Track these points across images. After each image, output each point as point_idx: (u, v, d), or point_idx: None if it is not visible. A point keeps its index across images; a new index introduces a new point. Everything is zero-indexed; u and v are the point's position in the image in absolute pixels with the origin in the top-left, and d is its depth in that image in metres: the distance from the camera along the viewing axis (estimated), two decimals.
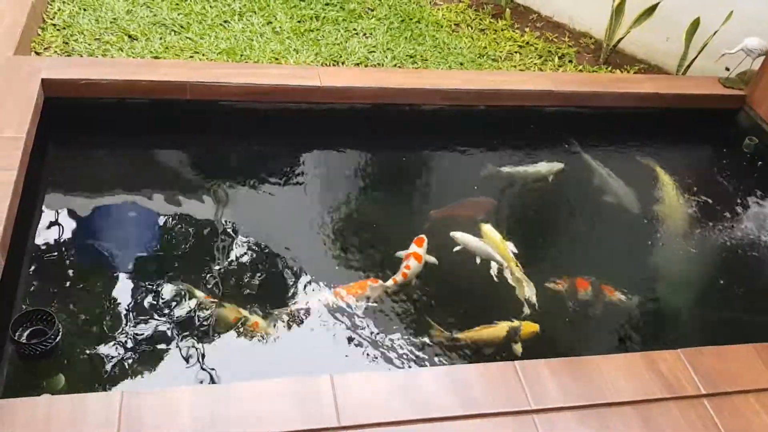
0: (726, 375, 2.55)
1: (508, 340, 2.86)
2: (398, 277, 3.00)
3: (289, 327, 2.80)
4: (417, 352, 2.78)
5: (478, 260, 3.22)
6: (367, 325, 2.85)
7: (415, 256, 3.08)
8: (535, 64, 4.77)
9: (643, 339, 3.05)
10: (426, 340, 2.82)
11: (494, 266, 3.19)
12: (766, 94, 4.18)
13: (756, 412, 2.45)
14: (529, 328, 2.90)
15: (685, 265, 3.47)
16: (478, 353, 2.81)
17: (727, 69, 4.44)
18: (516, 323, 2.90)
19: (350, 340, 2.79)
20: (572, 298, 3.11)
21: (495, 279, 3.15)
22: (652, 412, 2.39)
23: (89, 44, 4.09)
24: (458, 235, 3.29)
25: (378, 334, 2.82)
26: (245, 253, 3.10)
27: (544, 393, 2.38)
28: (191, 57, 4.13)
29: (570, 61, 4.88)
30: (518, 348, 2.82)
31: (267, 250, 3.14)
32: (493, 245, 3.24)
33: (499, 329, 2.88)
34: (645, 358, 2.58)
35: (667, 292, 3.36)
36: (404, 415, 2.25)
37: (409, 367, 2.71)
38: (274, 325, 2.78)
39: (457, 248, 3.25)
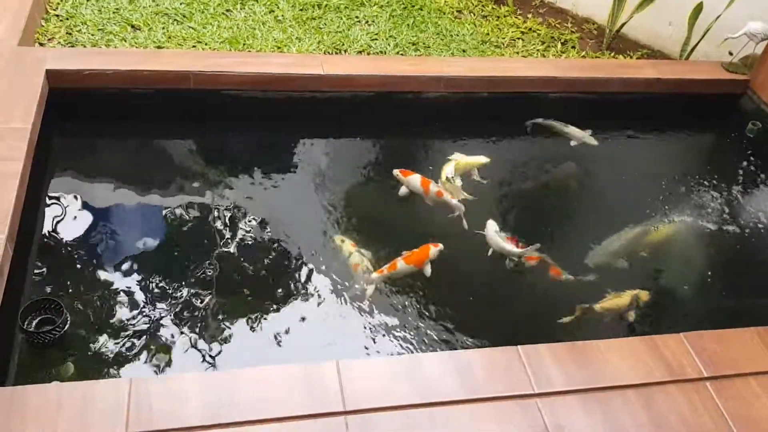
0: (727, 358, 2.57)
1: (631, 307, 3.06)
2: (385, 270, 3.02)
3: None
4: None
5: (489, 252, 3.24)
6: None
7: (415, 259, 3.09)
8: (537, 50, 4.76)
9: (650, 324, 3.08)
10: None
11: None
12: None
13: (757, 395, 2.47)
14: (645, 296, 3.11)
15: (689, 249, 3.48)
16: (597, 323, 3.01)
17: (731, 53, 4.43)
18: (636, 291, 3.10)
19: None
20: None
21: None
22: (654, 396, 2.41)
23: (92, 35, 4.10)
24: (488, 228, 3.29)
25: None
26: (247, 240, 3.12)
27: (547, 377, 2.40)
28: (194, 47, 4.14)
29: (573, 47, 4.87)
30: (632, 315, 3.05)
31: (266, 240, 3.16)
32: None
33: (625, 298, 3.08)
34: (647, 342, 2.59)
35: (670, 276, 3.37)
36: (408, 400, 2.27)
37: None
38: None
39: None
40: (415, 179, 3.44)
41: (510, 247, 3.18)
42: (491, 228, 3.25)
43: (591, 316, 3.01)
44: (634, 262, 3.31)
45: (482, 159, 3.64)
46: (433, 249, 3.11)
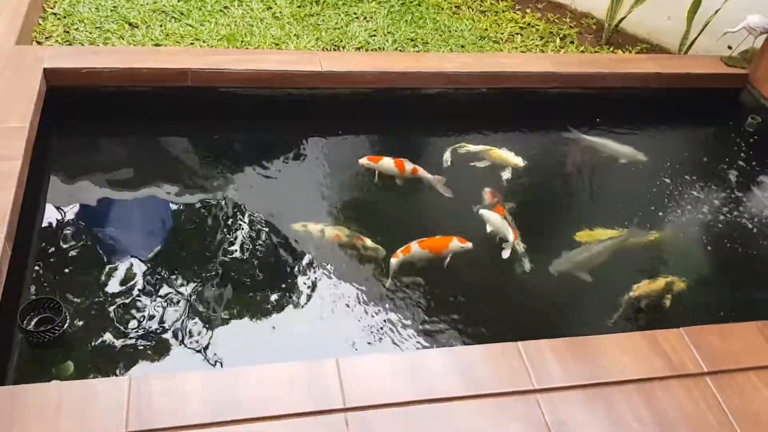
0: (728, 353, 2.57)
1: (665, 292, 3.11)
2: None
3: None
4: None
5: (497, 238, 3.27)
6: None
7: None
8: (536, 45, 4.75)
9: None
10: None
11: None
12: None
13: (757, 390, 2.46)
14: (680, 283, 3.16)
15: (689, 245, 3.48)
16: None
17: (730, 47, 4.42)
18: (671, 278, 3.16)
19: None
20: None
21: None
22: (654, 391, 2.41)
23: (90, 33, 4.09)
24: (486, 213, 3.32)
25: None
26: (246, 237, 3.11)
27: (547, 373, 2.40)
28: (192, 44, 4.14)
29: (572, 42, 4.87)
30: (668, 301, 3.08)
31: (266, 237, 3.15)
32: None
33: (659, 283, 3.13)
34: (647, 337, 2.59)
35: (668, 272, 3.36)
36: (408, 396, 2.27)
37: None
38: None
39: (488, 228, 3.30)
40: (386, 162, 3.46)
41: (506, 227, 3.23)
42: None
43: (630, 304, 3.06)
44: (641, 254, 3.32)
45: (518, 160, 3.64)
46: (456, 242, 3.09)
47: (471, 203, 3.43)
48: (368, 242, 3.09)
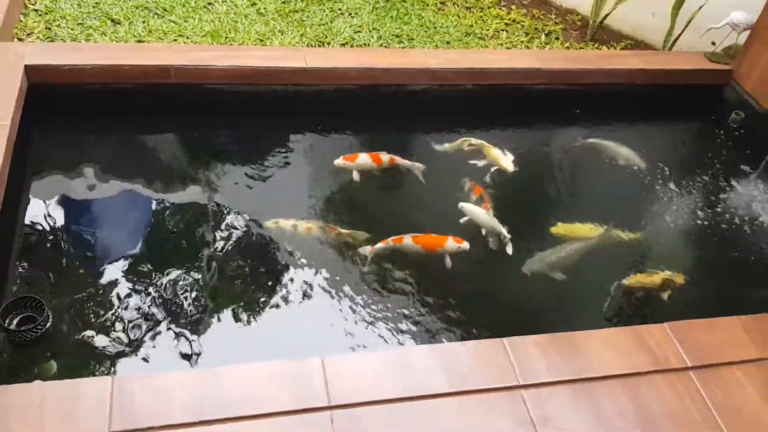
0: (712, 348, 2.59)
1: (664, 287, 3.16)
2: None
3: None
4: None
5: (483, 232, 3.27)
6: None
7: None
8: (521, 41, 4.76)
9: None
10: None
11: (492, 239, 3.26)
12: (752, 69, 4.19)
13: (741, 384, 2.48)
14: (680, 278, 3.20)
15: (672, 240, 3.49)
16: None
17: (713, 43, 4.45)
18: (670, 273, 3.21)
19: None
20: None
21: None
22: (639, 386, 2.42)
23: (72, 29, 4.05)
24: (467, 207, 3.33)
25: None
26: (230, 234, 3.09)
27: (532, 369, 2.40)
28: (175, 40, 4.10)
29: (557, 39, 4.87)
30: (666, 295, 3.13)
31: (250, 234, 3.13)
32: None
33: (656, 278, 3.18)
34: (632, 332, 2.60)
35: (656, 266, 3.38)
36: (394, 394, 2.27)
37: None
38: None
39: (463, 219, 3.30)
40: (363, 159, 3.45)
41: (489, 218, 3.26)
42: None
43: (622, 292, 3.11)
44: (620, 252, 3.33)
45: (508, 164, 3.60)
46: (452, 242, 3.09)
47: (456, 197, 3.43)
48: (342, 231, 3.10)
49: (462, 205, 3.35)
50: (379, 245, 3.04)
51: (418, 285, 3.01)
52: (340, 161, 3.45)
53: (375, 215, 3.42)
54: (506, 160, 3.62)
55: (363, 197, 3.48)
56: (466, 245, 3.09)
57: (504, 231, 3.23)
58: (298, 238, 3.09)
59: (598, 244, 3.29)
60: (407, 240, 3.06)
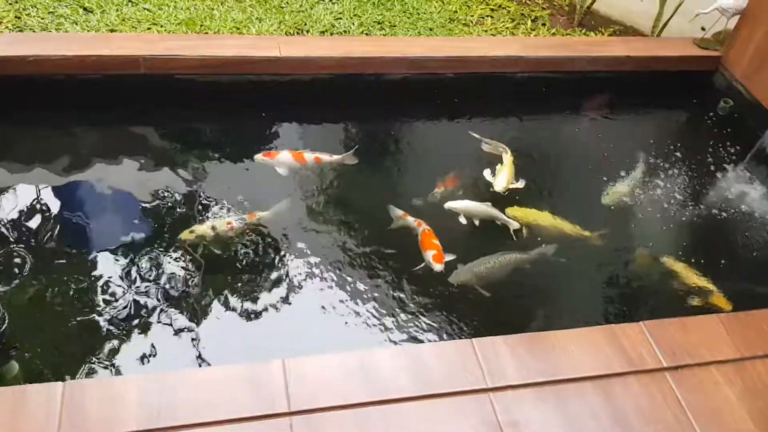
0: (689, 347, 2.50)
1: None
2: None
3: None
4: None
5: (477, 222, 3.19)
6: None
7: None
8: (507, 28, 4.65)
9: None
10: None
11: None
12: (741, 55, 4.08)
13: (717, 384, 2.41)
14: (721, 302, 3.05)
15: (659, 230, 3.41)
16: None
17: (703, 29, 4.33)
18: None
19: None
20: None
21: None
22: (612, 388, 2.35)
23: (42, 18, 3.95)
24: (455, 205, 3.20)
25: None
26: (193, 232, 2.99)
27: (502, 371, 2.33)
28: (149, 29, 4.00)
29: (543, 24, 4.76)
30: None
31: (216, 233, 3.04)
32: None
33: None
34: (606, 331, 2.52)
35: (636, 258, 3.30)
36: (357, 398, 2.19)
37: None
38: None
39: (460, 219, 3.20)
40: (284, 156, 3.31)
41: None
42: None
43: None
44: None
45: (499, 183, 3.34)
46: (427, 254, 2.91)
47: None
48: (263, 213, 3.02)
49: (449, 205, 3.21)
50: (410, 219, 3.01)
51: (386, 280, 2.93)
52: (259, 157, 3.31)
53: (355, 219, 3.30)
54: (503, 179, 3.36)
55: (338, 202, 3.36)
56: (439, 268, 2.89)
57: (505, 216, 3.15)
58: (221, 238, 2.95)
59: (533, 258, 3.10)
60: (421, 227, 3.00)
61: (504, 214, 3.22)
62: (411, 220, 3.09)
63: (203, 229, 2.92)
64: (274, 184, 3.29)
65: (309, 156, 3.32)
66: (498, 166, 3.44)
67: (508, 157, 3.45)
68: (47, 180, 3.14)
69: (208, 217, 3.04)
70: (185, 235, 2.89)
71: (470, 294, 2.92)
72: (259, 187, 3.26)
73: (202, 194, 3.18)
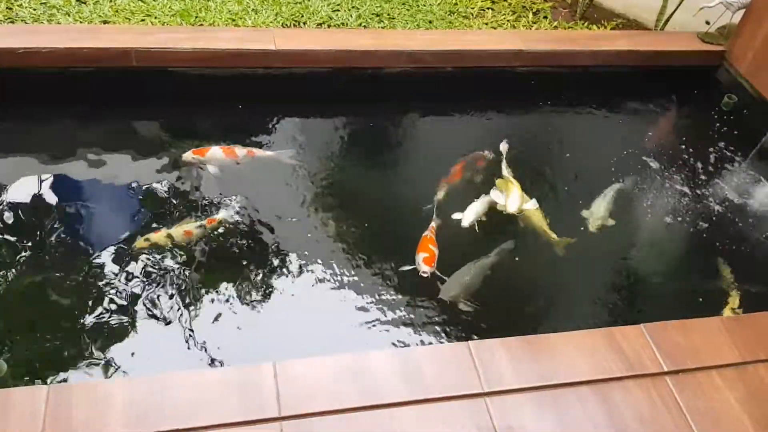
0: (690, 350, 2.45)
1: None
2: None
3: None
4: None
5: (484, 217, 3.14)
6: None
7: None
8: (508, 20, 4.56)
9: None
10: None
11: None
12: (746, 50, 4.01)
13: (718, 389, 2.35)
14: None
15: (663, 226, 3.35)
16: None
17: (707, 23, 4.26)
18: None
19: None
20: None
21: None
22: (611, 392, 2.29)
23: (34, 9, 3.87)
24: (471, 215, 3.11)
25: None
26: (179, 230, 2.93)
27: (498, 375, 2.27)
28: (143, 20, 3.93)
29: (545, 17, 4.68)
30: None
31: (202, 230, 2.98)
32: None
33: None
34: (606, 334, 2.47)
35: (639, 256, 3.24)
36: (349, 403, 2.14)
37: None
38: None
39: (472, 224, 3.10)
40: (215, 152, 3.18)
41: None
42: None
43: None
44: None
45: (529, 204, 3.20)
46: (419, 256, 2.85)
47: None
48: (223, 215, 2.94)
49: (467, 222, 3.08)
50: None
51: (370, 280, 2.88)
52: (188, 155, 3.15)
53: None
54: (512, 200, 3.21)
55: (336, 198, 3.29)
56: (426, 270, 2.81)
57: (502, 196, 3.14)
58: (180, 246, 2.84)
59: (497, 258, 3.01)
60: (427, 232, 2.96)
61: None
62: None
63: (158, 237, 2.81)
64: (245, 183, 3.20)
65: (240, 151, 3.20)
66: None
67: (511, 177, 3.31)
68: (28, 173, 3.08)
69: (165, 223, 2.92)
70: (139, 243, 2.80)
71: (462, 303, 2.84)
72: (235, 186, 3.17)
73: (172, 193, 3.11)
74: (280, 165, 3.28)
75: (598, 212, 3.25)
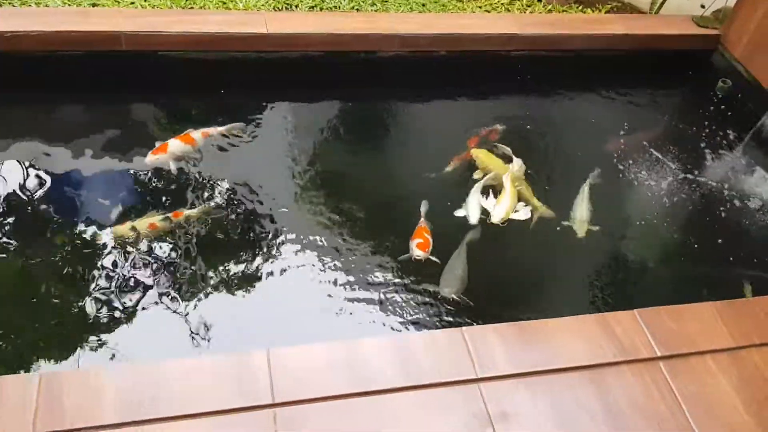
0: (683, 336, 2.45)
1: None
2: None
3: None
4: None
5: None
6: None
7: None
8: (502, 4, 4.52)
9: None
10: None
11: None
12: (741, 34, 3.99)
13: (712, 374, 2.36)
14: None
15: (655, 213, 3.34)
16: None
17: (702, 6, 4.23)
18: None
19: None
20: None
21: None
22: (604, 377, 2.29)
23: None
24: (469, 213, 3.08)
25: None
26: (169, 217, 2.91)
27: (492, 360, 2.27)
28: (132, 3, 3.86)
29: (539, 1, 4.64)
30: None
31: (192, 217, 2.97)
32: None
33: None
34: (599, 320, 2.46)
35: (634, 243, 3.24)
36: (343, 389, 2.13)
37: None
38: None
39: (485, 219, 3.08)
40: (174, 144, 3.08)
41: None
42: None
43: None
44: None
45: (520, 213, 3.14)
46: (413, 242, 2.84)
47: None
48: (190, 211, 2.89)
49: (496, 218, 3.03)
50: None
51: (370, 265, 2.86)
52: (150, 158, 3.02)
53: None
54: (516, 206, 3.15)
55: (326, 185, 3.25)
56: (419, 254, 2.80)
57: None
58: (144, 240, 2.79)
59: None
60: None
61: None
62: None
63: (122, 230, 2.77)
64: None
65: (196, 134, 3.15)
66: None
67: (509, 182, 3.17)
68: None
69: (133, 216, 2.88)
70: (118, 230, 2.77)
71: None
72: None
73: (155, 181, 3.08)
74: (240, 140, 3.26)
75: (581, 216, 3.19)
